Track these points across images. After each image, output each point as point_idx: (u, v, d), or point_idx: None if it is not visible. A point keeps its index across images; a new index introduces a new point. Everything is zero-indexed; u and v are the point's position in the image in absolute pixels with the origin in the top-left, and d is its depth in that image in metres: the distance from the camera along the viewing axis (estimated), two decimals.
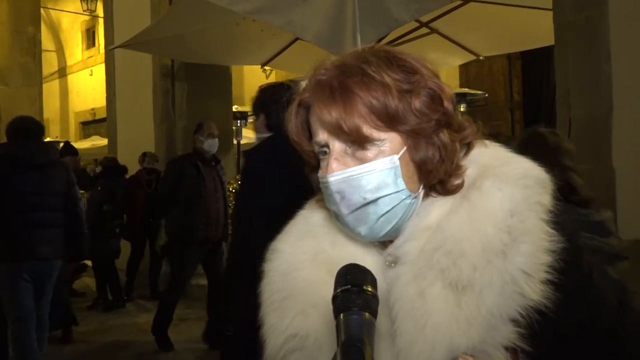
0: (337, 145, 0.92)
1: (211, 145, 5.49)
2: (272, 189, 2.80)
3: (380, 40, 5.05)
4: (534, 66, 9.41)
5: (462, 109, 7.03)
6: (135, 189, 7.26)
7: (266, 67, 9.56)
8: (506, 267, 0.85)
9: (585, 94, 3.94)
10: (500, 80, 10.31)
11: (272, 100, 3.12)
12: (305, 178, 1.04)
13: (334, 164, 0.91)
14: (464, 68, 9.97)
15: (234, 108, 9.07)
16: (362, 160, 0.91)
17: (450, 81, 10.04)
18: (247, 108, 10.64)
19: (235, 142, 8.87)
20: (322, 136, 0.93)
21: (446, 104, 0.93)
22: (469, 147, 0.98)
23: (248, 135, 11.90)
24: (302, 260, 0.99)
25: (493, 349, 0.85)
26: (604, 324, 0.92)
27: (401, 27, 4.41)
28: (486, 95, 8.73)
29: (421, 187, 0.94)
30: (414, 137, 0.92)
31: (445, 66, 7.99)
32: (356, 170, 0.91)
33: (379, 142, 0.91)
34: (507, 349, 0.86)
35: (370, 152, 0.91)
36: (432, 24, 6.05)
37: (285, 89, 3.17)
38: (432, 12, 5.04)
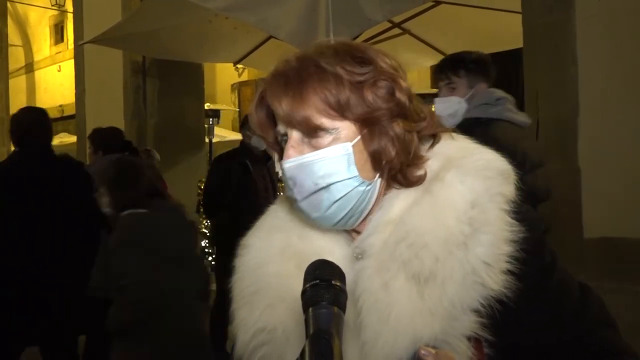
0: (294, 134, 0.96)
1: (260, 140, 5.20)
2: None
3: (353, 39, 5.09)
4: (502, 68, 9.54)
5: (433, 109, 7.10)
6: None
7: (239, 65, 9.53)
8: (467, 257, 0.87)
9: (552, 96, 4.03)
10: None
11: None
12: None
13: (290, 151, 0.95)
14: (435, 69, 10.07)
15: (206, 106, 9.02)
16: (318, 148, 0.94)
17: (421, 82, 10.14)
18: (220, 106, 10.61)
19: (207, 140, 8.82)
20: (281, 126, 0.97)
21: (398, 95, 0.96)
22: (435, 139, 1.00)
23: (220, 134, 11.86)
24: (272, 255, 1.00)
25: (455, 339, 0.86)
26: (567, 313, 0.94)
27: (374, 27, 4.45)
28: None
29: (377, 176, 0.96)
30: (368, 127, 0.95)
31: (416, 67, 8.07)
32: (309, 157, 0.94)
33: (332, 130, 0.94)
34: (469, 338, 0.87)
35: (325, 139, 0.94)
36: (404, 25, 6.11)
37: None
38: (404, 12, 5.09)
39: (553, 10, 4.14)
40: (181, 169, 7.87)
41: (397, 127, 0.95)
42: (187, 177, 7.88)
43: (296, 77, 0.94)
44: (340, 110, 0.94)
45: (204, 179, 7.82)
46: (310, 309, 0.78)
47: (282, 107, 0.94)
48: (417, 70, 9.13)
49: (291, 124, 0.95)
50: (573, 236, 3.74)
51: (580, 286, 0.98)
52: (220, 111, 9.76)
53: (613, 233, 3.75)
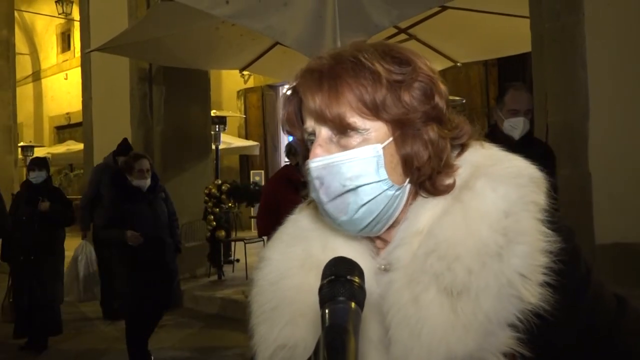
0: (323, 132, 0.91)
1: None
2: None
3: None
4: (510, 73, 9.53)
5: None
6: None
7: (245, 72, 9.54)
8: (502, 269, 0.82)
9: (561, 100, 4.00)
10: (477, 86, 10.42)
11: None
12: None
13: (317, 150, 0.91)
14: (441, 74, 9.90)
15: (212, 113, 9.03)
16: (346, 148, 0.90)
17: None
18: (226, 113, 10.61)
19: (213, 147, 8.82)
20: (309, 123, 0.93)
21: (437, 98, 0.92)
22: (463, 147, 0.96)
23: (226, 141, 11.87)
24: (291, 267, 0.97)
25: (491, 355, 0.82)
26: (603, 325, 0.90)
27: (380, 33, 4.43)
28: (463, 101, 8.81)
29: (407, 181, 0.92)
30: (401, 129, 0.90)
31: None
32: (337, 157, 0.90)
33: (363, 131, 0.90)
34: (506, 355, 0.83)
35: (354, 139, 0.90)
36: (411, 30, 6.10)
37: None
38: (411, 18, 5.07)
39: (561, 14, 4.12)
40: (188, 175, 7.87)
41: (432, 132, 0.90)
42: (193, 183, 7.87)
43: (331, 71, 0.90)
44: (375, 110, 0.89)
45: (210, 186, 7.83)
46: (327, 304, 0.75)
47: (316, 101, 0.89)
48: None
49: (322, 120, 0.90)
50: (585, 242, 3.70)
51: (616, 297, 0.94)
52: (227, 118, 9.76)
53: (625, 238, 3.71)
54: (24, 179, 6.02)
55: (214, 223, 7.78)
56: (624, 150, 3.66)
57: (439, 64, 7.20)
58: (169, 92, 8.06)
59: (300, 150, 0.99)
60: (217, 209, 7.79)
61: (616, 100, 3.92)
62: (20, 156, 14.24)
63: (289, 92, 0.96)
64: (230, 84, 14.62)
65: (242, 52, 6.90)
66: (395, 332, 0.85)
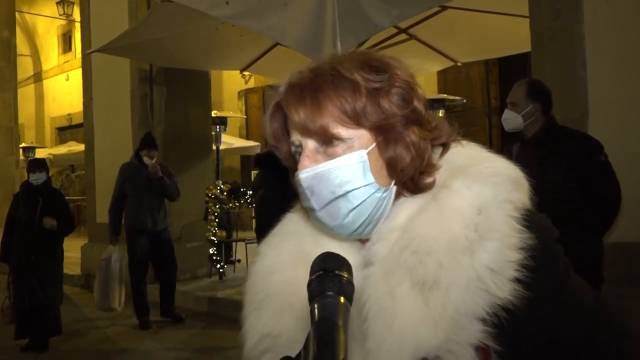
0: (309, 144, 0.95)
1: None
2: None
3: (359, 45, 5.07)
4: (510, 72, 9.53)
5: (440, 115, 7.09)
6: None
7: (245, 73, 9.54)
8: (472, 264, 0.85)
9: (561, 99, 3.99)
10: (478, 86, 10.42)
11: None
12: None
13: (305, 161, 0.95)
14: (442, 74, 10.06)
15: (213, 113, 9.03)
16: (332, 157, 0.94)
17: (428, 87, 10.12)
18: (226, 113, 10.61)
19: (214, 147, 8.83)
20: (295, 136, 0.97)
21: (415, 102, 0.96)
22: (444, 147, 0.99)
23: (227, 141, 11.87)
24: (283, 262, 1.01)
25: (460, 347, 0.84)
26: (580, 326, 0.91)
27: (380, 32, 4.43)
28: (464, 101, 8.82)
29: (392, 183, 0.96)
30: (383, 134, 0.95)
31: (423, 72, 8.06)
32: (325, 165, 0.94)
33: (347, 139, 0.94)
34: (475, 348, 0.84)
35: (340, 148, 0.94)
36: (411, 30, 6.10)
37: None
38: (411, 18, 5.07)
39: (561, 14, 4.12)
40: (189, 176, 7.87)
41: (413, 135, 0.95)
42: (194, 184, 7.88)
43: (312, 85, 0.94)
44: (356, 119, 0.93)
45: (211, 186, 7.84)
46: (315, 299, 0.77)
47: (300, 115, 0.94)
48: (423, 75, 9.12)
49: (308, 132, 0.94)
50: None
51: (597, 299, 0.95)
52: (227, 118, 9.75)
53: (627, 237, 3.71)
54: (25, 179, 6.03)
55: (215, 223, 7.79)
56: (623, 149, 3.65)
57: (440, 64, 7.21)
58: (170, 92, 8.07)
59: (289, 163, 1.03)
60: (219, 209, 7.81)
61: (615, 100, 3.92)
62: (21, 157, 14.27)
63: (272, 109, 1.01)
64: (231, 85, 14.63)
65: (242, 53, 6.91)
66: (371, 324, 0.88)
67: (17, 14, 14.86)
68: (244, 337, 1.01)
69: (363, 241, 1.00)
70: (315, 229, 1.02)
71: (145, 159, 6.29)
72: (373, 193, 0.94)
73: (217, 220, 7.82)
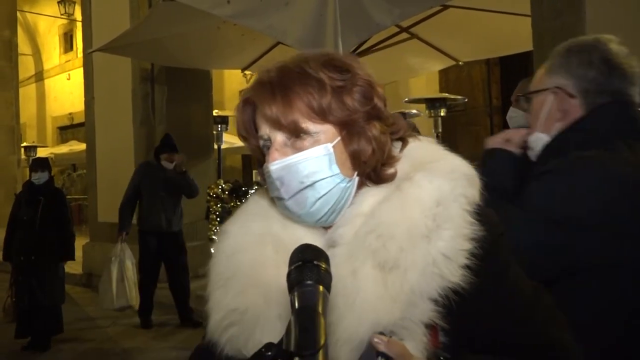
0: (278, 137, 1.03)
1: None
2: None
3: (361, 44, 5.07)
4: (512, 72, 9.52)
5: (442, 114, 7.08)
6: None
7: (247, 72, 9.52)
8: (429, 250, 0.94)
9: None
10: (479, 85, 10.40)
11: None
12: None
13: (275, 154, 1.03)
14: (443, 73, 10.04)
15: (215, 112, 9.02)
16: (300, 150, 1.02)
17: (430, 86, 10.11)
18: (228, 112, 10.62)
19: (215, 146, 8.82)
20: (264, 130, 1.04)
21: (376, 99, 1.05)
22: (403, 142, 1.09)
23: (229, 140, 11.86)
24: (248, 242, 1.07)
25: (413, 324, 0.92)
26: (518, 308, 1.02)
27: (381, 32, 4.43)
28: (465, 100, 8.80)
29: (355, 173, 1.05)
30: (346, 129, 1.03)
31: (425, 71, 8.05)
32: (294, 158, 1.02)
33: (314, 133, 1.02)
34: (426, 325, 0.93)
35: (307, 142, 1.02)
36: (412, 29, 6.08)
37: None
38: (413, 17, 5.06)
39: (563, 13, 4.11)
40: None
41: (374, 129, 1.04)
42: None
43: (281, 82, 1.02)
44: (322, 114, 1.01)
45: (212, 186, 7.84)
46: (295, 289, 0.81)
47: (272, 110, 1.01)
48: (425, 74, 9.11)
49: (278, 127, 1.01)
50: None
51: (533, 286, 1.06)
52: (229, 118, 9.75)
53: None
54: (27, 178, 6.04)
55: (217, 222, 7.78)
56: None
57: (441, 63, 7.19)
58: (171, 91, 8.07)
59: (257, 156, 1.10)
60: (220, 208, 7.80)
61: None
62: (23, 156, 14.28)
63: (242, 104, 1.08)
64: (232, 84, 14.64)
65: (244, 52, 6.90)
66: (333, 300, 0.93)
67: (18, 14, 14.88)
68: (209, 312, 1.06)
69: (326, 227, 1.08)
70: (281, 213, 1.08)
71: (164, 163, 6.29)
72: (338, 183, 1.03)
73: (218, 219, 7.81)
